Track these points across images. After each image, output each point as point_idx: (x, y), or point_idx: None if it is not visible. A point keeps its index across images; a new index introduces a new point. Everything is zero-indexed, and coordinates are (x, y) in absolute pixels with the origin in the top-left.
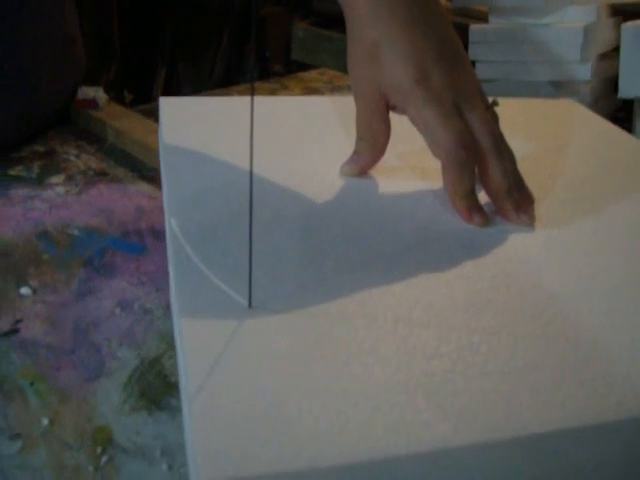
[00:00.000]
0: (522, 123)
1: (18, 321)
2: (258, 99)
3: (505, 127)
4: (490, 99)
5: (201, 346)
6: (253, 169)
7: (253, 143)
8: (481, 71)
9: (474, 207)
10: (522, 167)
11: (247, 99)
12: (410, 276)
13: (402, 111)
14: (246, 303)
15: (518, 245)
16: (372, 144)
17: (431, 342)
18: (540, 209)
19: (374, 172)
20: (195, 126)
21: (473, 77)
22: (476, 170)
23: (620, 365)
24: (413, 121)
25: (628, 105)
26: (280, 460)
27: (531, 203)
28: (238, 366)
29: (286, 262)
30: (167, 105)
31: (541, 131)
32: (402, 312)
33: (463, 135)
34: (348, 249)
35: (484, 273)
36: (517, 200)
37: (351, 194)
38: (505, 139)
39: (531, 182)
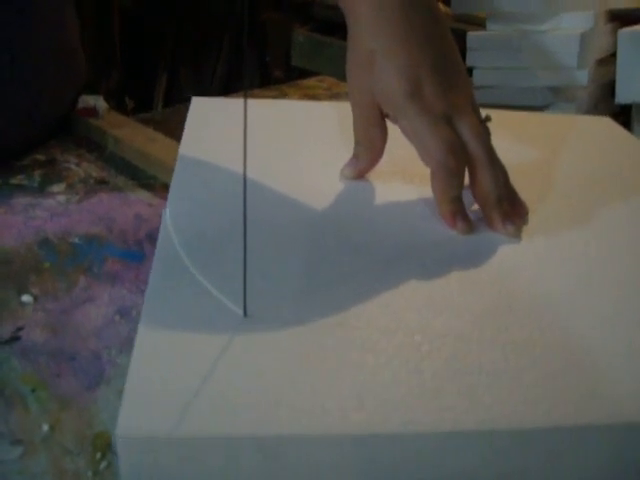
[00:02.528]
0: (550, 138)
1: (19, 328)
2: (277, 102)
3: (534, 141)
4: (483, 114)
5: (157, 323)
6: (255, 176)
7: (259, 148)
8: (479, 78)
9: (459, 213)
10: (540, 180)
11: (277, 102)
12: (394, 284)
13: (395, 120)
14: (240, 311)
15: (505, 255)
16: (369, 149)
17: (372, 337)
18: (536, 221)
19: (372, 177)
20: (217, 128)
21: (467, 91)
22: (467, 180)
23: (567, 374)
24: (404, 131)
25: (627, 110)
26: (189, 427)
27: (522, 216)
28: (183, 347)
29: (280, 271)
30: (197, 105)
31: (568, 147)
32: (358, 309)
33: (452, 143)
34: (343, 258)
35: (456, 278)
36: (506, 211)
37: (348, 202)
38: (496, 152)
39: (539, 194)
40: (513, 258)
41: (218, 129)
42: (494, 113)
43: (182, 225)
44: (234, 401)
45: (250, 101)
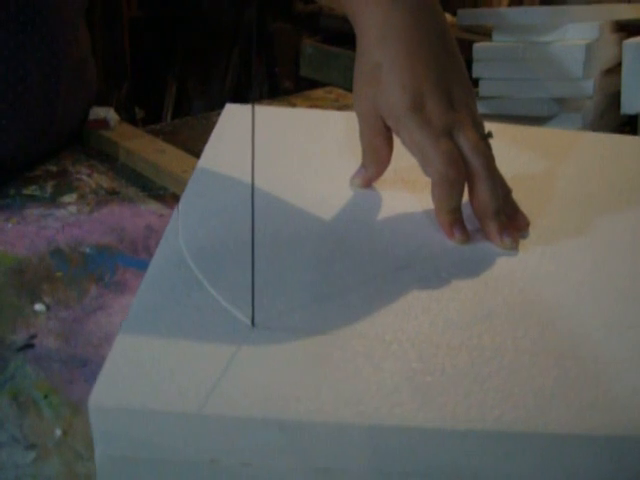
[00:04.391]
0: (574, 155)
1: (33, 336)
2: (298, 111)
3: (558, 158)
4: (488, 129)
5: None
6: (269, 185)
7: (276, 156)
8: (485, 88)
9: (456, 223)
10: (552, 195)
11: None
12: (395, 295)
13: (397, 133)
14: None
15: (498, 265)
16: (375, 158)
17: (347, 337)
18: (537, 234)
19: (379, 187)
20: (245, 134)
21: (469, 107)
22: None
23: (532, 381)
24: (405, 143)
25: (633, 120)
26: (157, 402)
27: (520, 229)
28: (171, 332)
29: (288, 281)
30: (229, 112)
31: (592, 164)
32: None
33: (452, 155)
34: (348, 268)
35: (445, 286)
36: (503, 223)
37: (355, 212)
38: (496, 167)
39: (548, 209)
40: (505, 269)
41: (245, 136)
42: (523, 130)
43: (191, 230)
44: (213, 381)
45: (272, 109)
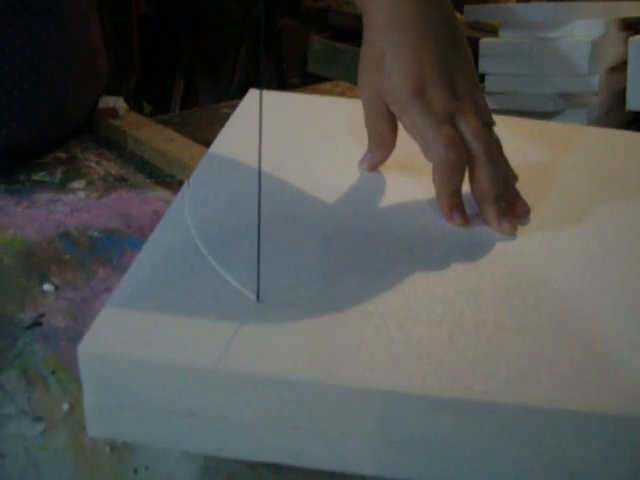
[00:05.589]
0: (585, 148)
1: (41, 315)
2: (314, 98)
3: (572, 153)
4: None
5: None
6: (276, 168)
7: (288, 141)
8: (491, 84)
9: (456, 206)
10: (560, 187)
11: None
12: (399, 275)
13: (400, 118)
14: (254, 297)
15: (494, 249)
16: (379, 143)
17: (342, 312)
18: (539, 220)
19: (386, 171)
20: (264, 120)
21: (473, 97)
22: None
23: (504, 356)
24: (407, 129)
25: (639, 118)
26: (145, 352)
27: (519, 215)
28: (169, 295)
29: (294, 259)
30: (252, 97)
31: (602, 158)
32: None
33: (454, 139)
34: (350, 249)
35: (437, 266)
36: (502, 208)
37: (361, 195)
38: (503, 153)
39: (555, 199)
40: (500, 252)
41: (264, 120)
42: (527, 123)
43: (199, 204)
44: (202, 338)
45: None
